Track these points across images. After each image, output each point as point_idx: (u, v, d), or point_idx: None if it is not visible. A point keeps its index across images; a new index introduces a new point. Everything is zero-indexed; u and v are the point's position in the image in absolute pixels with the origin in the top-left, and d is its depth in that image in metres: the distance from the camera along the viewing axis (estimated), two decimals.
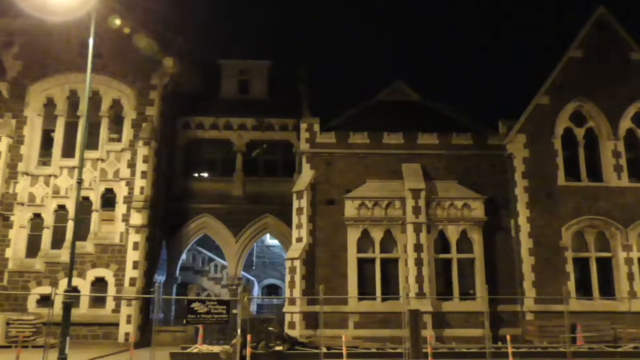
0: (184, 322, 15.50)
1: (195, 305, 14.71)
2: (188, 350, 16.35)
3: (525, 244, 19.90)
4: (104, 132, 21.83)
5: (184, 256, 25.79)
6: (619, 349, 16.62)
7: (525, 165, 20.56)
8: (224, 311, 14.77)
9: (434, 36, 55.32)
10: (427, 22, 56.81)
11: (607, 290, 19.85)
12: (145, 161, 21.12)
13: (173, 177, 23.97)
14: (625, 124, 21.06)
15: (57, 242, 20.78)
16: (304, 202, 20.36)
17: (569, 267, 19.80)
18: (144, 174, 20.97)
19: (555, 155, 20.72)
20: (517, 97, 23.35)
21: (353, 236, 20.22)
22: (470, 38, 54.87)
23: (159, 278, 22.49)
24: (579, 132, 21.14)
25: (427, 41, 54.49)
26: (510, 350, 14.77)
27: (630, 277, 19.73)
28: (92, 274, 20.48)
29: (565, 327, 16.16)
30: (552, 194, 20.33)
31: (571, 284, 19.52)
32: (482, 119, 23.36)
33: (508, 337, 15.40)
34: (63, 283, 19.16)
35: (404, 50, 54.13)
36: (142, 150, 21.22)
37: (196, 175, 24.89)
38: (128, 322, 19.72)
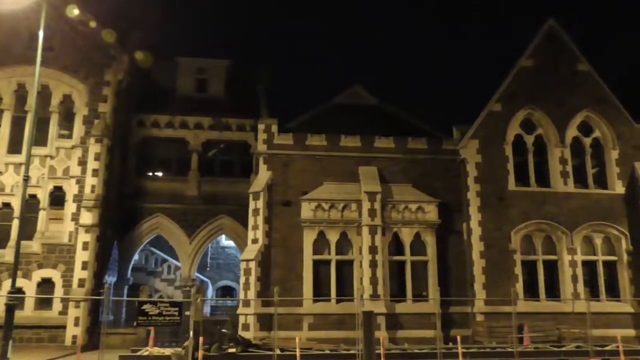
0: (135, 324, 15.17)
1: (146, 307, 14.40)
2: (138, 353, 16.00)
3: (477, 246, 20.41)
4: (53, 128, 21.11)
5: (136, 257, 25.20)
6: (563, 349, 17.25)
7: (477, 170, 21.09)
8: (177, 313, 14.53)
9: (392, 42, 56.17)
10: (385, 28, 57.65)
11: (553, 291, 20.59)
12: (97, 159, 20.53)
13: (126, 176, 23.38)
14: (572, 132, 21.92)
15: (1, 242, 19.91)
16: (260, 203, 20.25)
17: (518, 270, 20.41)
18: (95, 172, 20.36)
19: (506, 161, 21.35)
20: (472, 103, 23.97)
21: (309, 238, 20.24)
22: (427, 44, 55.98)
23: (110, 279, 21.89)
24: (529, 139, 21.86)
25: (385, 46, 55.31)
26: (460, 350, 15.11)
27: (575, 279, 20.52)
28: (38, 274, 19.73)
29: (513, 327, 16.65)
30: (503, 199, 20.93)
31: (519, 286, 20.12)
32: (437, 124, 23.91)
33: (458, 338, 15.77)
34: (7, 284, 18.30)
35: (363, 54, 54.71)
36: (94, 148, 20.61)
37: (150, 174, 24.37)
38: (76, 324, 19.11)
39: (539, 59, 22.27)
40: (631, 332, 19.82)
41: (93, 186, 20.27)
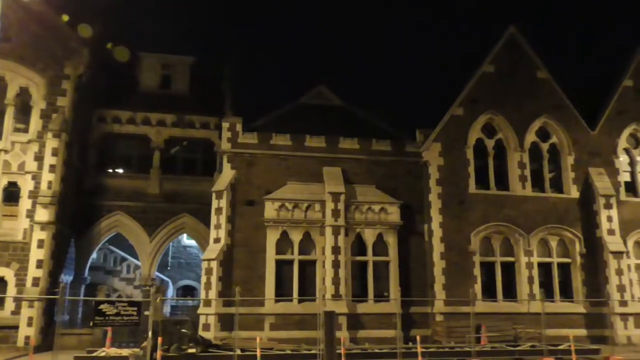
0: (91, 324, 14.81)
1: (103, 306, 14.11)
2: (94, 354, 15.63)
3: (437, 248, 20.74)
4: (8, 121, 20.35)
5: (94, 255, 24.60)
6: (518, 348, 17.70)
7: (439, 172, 21.43)
8: (135, 313, 14.28)
9: (357, 43, 56.55)
10: (351, 30, 58.00)
11: (510, 292, 21.12)
12: (54, 154, 19.90)
13: (85, 173, 22.80)
14: (531, 137, 22.53)
15: None
16: (223, 202, 20.07)
17: (477, 271, 20.86)
18: (52, 168, 19.75)
19: (467, 164, 21.77)
20: (436, 106, 24.31)
21: (272, 238, 20.19)
22: (393, 47, 56.57)
23: (66, 278, 21.31)
24: (489, 143, 22.36)
25: (351, 48, 55.65)
26: (419, 350, 15.32)
27: (531, 280, 21.11)
28: None
29: (471, 327, 16.99)
30: (464, 201, 21.34)
31: (478, 287, 20.56)
32: (401, 127, 24.18)
33: (418, 338, 15.99)
34: None
35: (328, 54, 54.90)
36: (52, 143, 19.97)
37: (110, 171, 23.82)
38: (29, 324, 18.47)
39: (500, 65, 22.82)
40: (583, 332, 20.54)
41: (50, 182, 19.66)
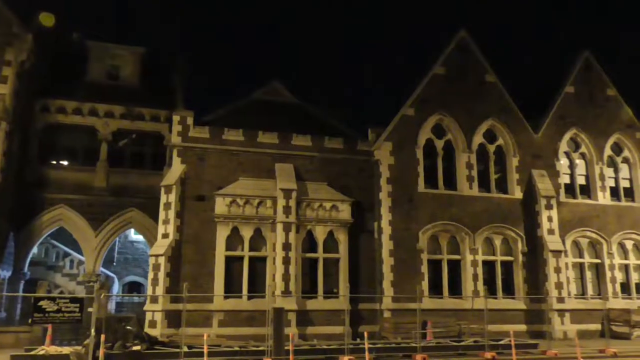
0: (29, 321, 14.23)
1: (43, 303, 13.56)
2: (33, 353, 15.00)
3: (386, 245, 21.05)
4: None
5: (34, 250, 23.64)
6: (462, 343, 18.20)
7: (390, 171, 21.75)
8: (77, 309, 13.80)
9: (312, 41, 56.64)
10: (307, 28, 58.02)
11: (455, 289, 21.70)
12: None
13: (27, 164, 21.85)
14: (478, 139, 23.19)
15: None
16: (172, 197, 19.71)
17: (424, 268, 21.30)
18: None
19: (417, 163, 22.19)
20: (389, 105, 24.70)
21: (222, 234, 19.99)
22: (348, 46, 56.94)
23: (4, 274, 20.41)
24: (439, 144, 22.86)
25: (305, 46, 55.69)
26: (366, 346, 15.52)
27: (475, 277, 21.75)
28: None
29: (418, 323, 17.33)
30: (413, 200, 21.74)
31: (425, 284, 21.03)
32: (354, 125, 24.47)
33: (366, 334, 16.19)
34: None
35: (282, 51, 54.75)
36: None
37: (54, 162, 22.93)
38: None
39: (451, 68, 23.35)
40: (523, 327, 21.32)
41: None
